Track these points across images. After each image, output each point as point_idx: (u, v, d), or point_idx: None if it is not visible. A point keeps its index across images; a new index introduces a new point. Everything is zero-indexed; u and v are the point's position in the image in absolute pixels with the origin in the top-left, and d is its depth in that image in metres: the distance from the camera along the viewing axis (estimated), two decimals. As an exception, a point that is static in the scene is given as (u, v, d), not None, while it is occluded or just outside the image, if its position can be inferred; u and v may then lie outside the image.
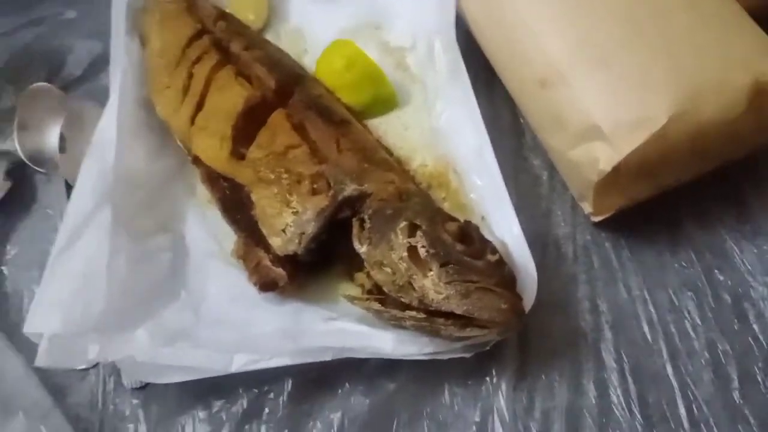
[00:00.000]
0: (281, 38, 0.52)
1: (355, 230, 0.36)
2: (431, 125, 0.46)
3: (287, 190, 0.38)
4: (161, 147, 0.45)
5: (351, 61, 0.46)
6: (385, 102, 0.48)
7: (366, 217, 0.36)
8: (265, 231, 0.38)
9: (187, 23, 0.47)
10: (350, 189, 0.37)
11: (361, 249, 0.35)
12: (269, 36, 0.52)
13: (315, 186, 0.37)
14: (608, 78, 0.39)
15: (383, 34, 0.52)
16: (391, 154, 0.44)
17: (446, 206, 0.42)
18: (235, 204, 0.40)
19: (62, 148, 0.44)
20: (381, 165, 0.40)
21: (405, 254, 0.34)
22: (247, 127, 0.40)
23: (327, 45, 0.49)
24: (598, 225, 0.43)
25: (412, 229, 0.35)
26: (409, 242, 0.34)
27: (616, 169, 0.38)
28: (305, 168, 0.38)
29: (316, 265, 0.39)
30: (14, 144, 0.45)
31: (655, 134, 0.37)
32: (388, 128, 0.47)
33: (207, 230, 0.42)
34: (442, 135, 0.45)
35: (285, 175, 0.38)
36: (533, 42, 0.42)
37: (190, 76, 0.44)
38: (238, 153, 0.40)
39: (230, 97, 0.41)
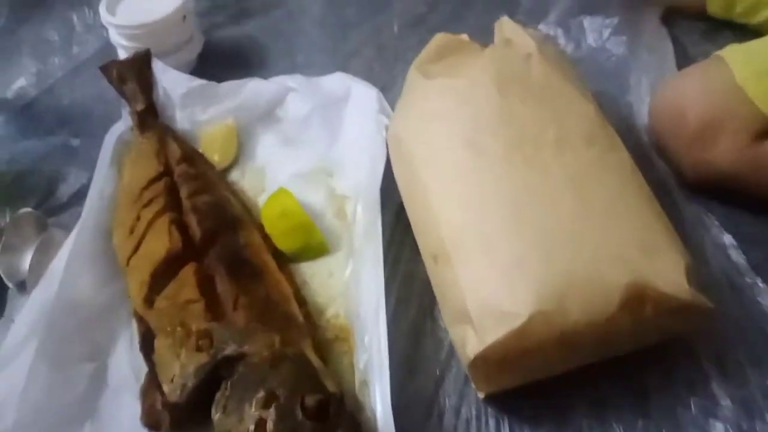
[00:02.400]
0: (245, 176, 0.58)
1: (218, 394, 0.40)
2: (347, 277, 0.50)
3: (179, 342, 0.42)
4: (113, 274, 0.51)
5: (285, 211, 0.52)
6: (316, 249, 0.52)
7: (229, 383, 0.40)
8: (159, 376, 0.43)
9: (152, 164, 0.54)
10: (230, 349, 0.41)
11: (215, 416, 0.39)
12: (235, 174, 0.59)
13: (200, 342, 0.42)
14: (485, 265, 0.41)
15: (332, 181, 0.57)
16: (303, 303, 0.48)
17: (344, 362, 0.46)
18: (148, 344, 0.46)
19: (32, 269, 0.52)
20: (276, 322, 0.44)
21: (251, 427, 0.37)
22: (163, 277, 0.46)
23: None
24: (486, 400, 0.44)
25: (269, 401, 0.38)
26: (260, 415, 0.38)
27: (483, 357, 0.39)
28: (197, 323, 0.43)
29: (201, 415, 0.43)
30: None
31: (515, 330, 0.38)
32: (314, 274, 0.51)
33: (131, 363, 0.47)
34: (352, 290, 0.48)
35: (179, 328, 0.43)
36: (431, 216, 0.45)
37: (138, 217, 0.50)
38: (150, 300, 0.46)
39: (157, 245, 0.47)
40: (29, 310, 0.47)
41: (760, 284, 0.49)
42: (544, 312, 0.38)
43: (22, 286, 0.52)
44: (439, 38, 0.55)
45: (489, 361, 0.40)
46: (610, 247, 0.40)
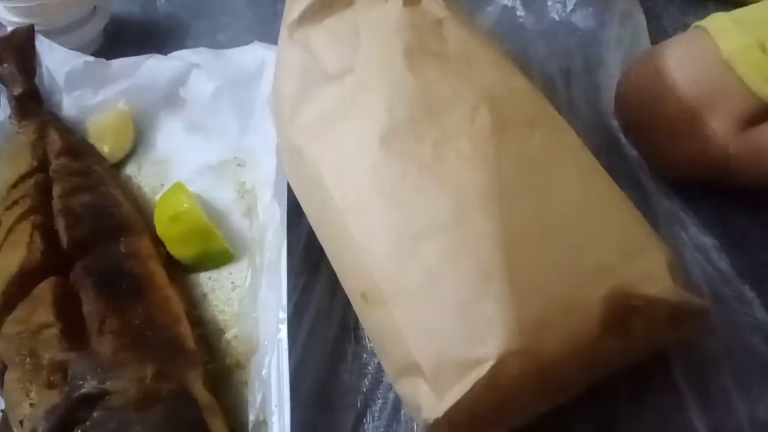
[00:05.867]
0: (142, 170, 0.51)
1: (68, 446, 0.32)
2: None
3: (28, 377, 0.35)
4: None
5: (178, 214, 0.44)
6: (217, 257, 0.45)
7: (80, 431, 0.32)
8: (9, 417, 0.36)
9: (25, 159, 0.46)
10: (89, 386, 0.34)
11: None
12: (129, 168, 0.51)
13: (52, 378, 0.35)
14: (432, 303, 0.33)
15: (243, 173, 0.49)
16: (197, 324, 0.41)
17: (244, 395, 0.38)
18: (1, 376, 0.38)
19: None
20: (154, 350, 0.37)
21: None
22: (15, 294, 0.38)
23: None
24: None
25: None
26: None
27: (446, 419, 0.31)
28: (51, 353, 0.35)
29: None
30: None
31: (482, 379, 0.30)
32: (215, 286, 0.44)
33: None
34: (250, 306, 0.41)
35: (29, 359, 0.35)
36: (351, 245, 0.36)
37: (-1, 222, 0.43)
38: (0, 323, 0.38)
39: (13, 256, 0.40)
40: None
41: (748, 294, 0.42)
42: (516, 350, 0.30)
43: None
44: None
45: (454, 422, 0.31)
46: (583, 255, 0.33)
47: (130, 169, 0.51)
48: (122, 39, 0.63)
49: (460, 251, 0.33)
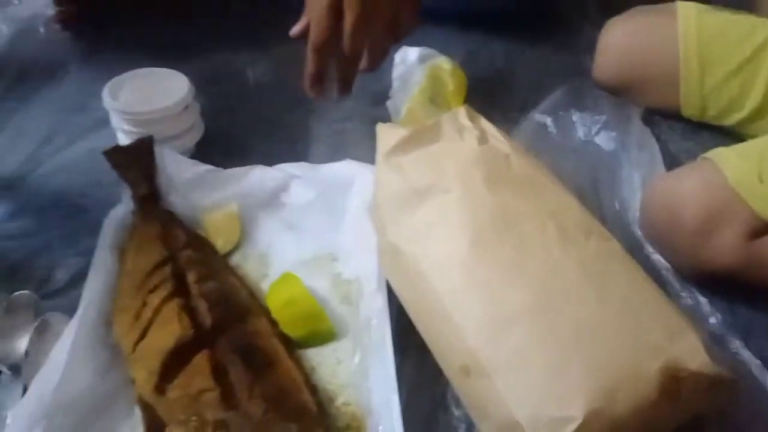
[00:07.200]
0: (247, 261, 0.60)
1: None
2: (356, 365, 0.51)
3: (193, 433, 0.43)
4: (113, 363, 0.51)
5: (292, 299, 0.53)
6: (323, 336, 0.54)
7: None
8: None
9: (157, 250, 0.56)
10: (246, 441, 0.42)
11: None
12: (236, 258, 0.60)
13: (216, 433, 0.43)
14: (526, 374, 0.42)
15: (337, 266, 0.59)
16: (315, 392, 0.49)
17: (357, 452, 0.46)
18: (156, 434, 0.46)
19: (28, 354, 0.52)
20: (291, 412, 0.45)
21: None
22: (173, 365, 0.46)
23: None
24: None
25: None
26: None
27: None
28: (212, 413, 0.44)
29: None
30: (-14, 345, 0.53)
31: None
32: (322, 361, 0.53)
33: (133, 457, 0.47)
34: (361, 379, 0.50)
35: (194, 418, 0.43)
36: (452, 328, 0.46)
37: (144, 304, 0.51)
38: (161, 388, 0.46)
39: (167, 333, 0.48)
40: (27, 404, 0.46)
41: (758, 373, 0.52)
42: (596, 410, 0.40)
43: (16, 370, 0.52)
44: (385, 129, 0.57)
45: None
46: (639, 335, 0.43)
47: (236, 259, 0.60)
48: (212, 150, 0.73)
49: (544, 332, 0.43)
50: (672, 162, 0.69)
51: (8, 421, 0.46)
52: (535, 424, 0.40)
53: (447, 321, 0.46)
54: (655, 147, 0.69)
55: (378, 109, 0.75)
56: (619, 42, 0.76)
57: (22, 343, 0.53)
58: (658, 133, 0.74)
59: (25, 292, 0.56)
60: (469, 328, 0.45)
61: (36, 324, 0.53)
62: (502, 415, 0.42)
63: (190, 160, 0.63)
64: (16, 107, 0.82)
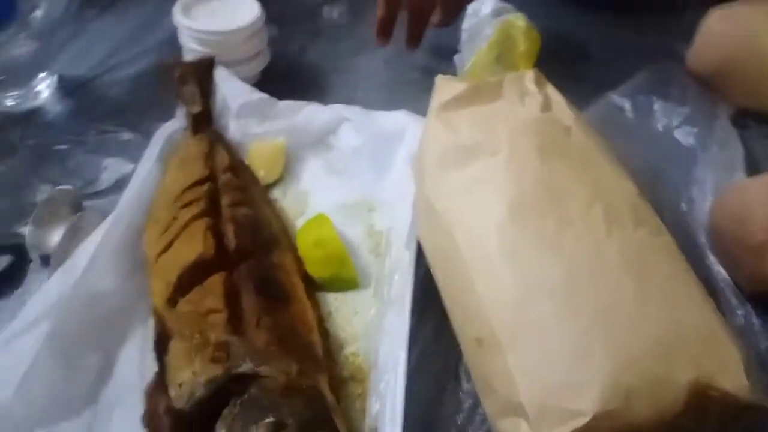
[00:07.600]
0: (286, 197, 0.60)
1: (226, 411, 0.40)
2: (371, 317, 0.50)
3: (194, 350, 0.42)
4: (136, 270, 0.52)
5: (321, 240, 0.52)
6: (345, 282, 0.52)
7: (239, 401, 0.40)
8: (168, 379, 0.43)
9: (198, 167, 0.55)
10: (245, 367, 0.41)
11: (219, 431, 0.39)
12: (276, 192, 0.60)
13: (216, 354, 0.42)
14: (541, 354, 0.39)
15: (373, 217, 0.57)
16: (326, 336, 0.48)
17: (356, 405, 0.45)
18: (163, 344, 0.46)
19: (59, 247, 0.53)
20: (295, 350, 0.44)
21: (254, 451, 0.37)
22: (189, 281, 0.46)
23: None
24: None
25: (277, 430, 0.38)
26: (264, 440, 0.37)
27: None
28: (217, 334, 0.43)
29: (206, 426, 0.43)
30: (25, 231, 0.55)
31: (580, 429, 0.36)
32: (339, 306, 0.52)
33: (140, 361, 0.48)
34: (373, 332, 0.48)
35: (197, 335, 0.43)
36: (473, 296, 0.43)
37: (175, 217, 0.51)
38: (173, 301, 0.46)
39: (190, 249, 0.48)
40: (47, 292, 0.47)
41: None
42: (610, 411, 0.36)
43: (46, 261, 0.53)
44: (444, 81, 0.55)
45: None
46: (674, 338, 0.39)
47: (276, 193, 0.60)
48: (274, 80, 0.72)
49: (569, 313, 0.40)
50: (755, 170, 0.63)
51: (30, 300, 0.47)
52: (539, 411, 0.38)
53: (469, 288, 0.44)
54: (739, 150, 0.63)
55: (447, 63, 0.72)
56: (723, 30, 0.70)
57: (56, 236, 0.55)
58: (747, 136, 0.67)
59: (68, 187, 0.57)
60: (490, 298, 0.42)
61: (72, 220, 0.55)
62: (508, 393, 0.39)
63: (247, 86, 0.63)
64: (96, 15, 0.84)
